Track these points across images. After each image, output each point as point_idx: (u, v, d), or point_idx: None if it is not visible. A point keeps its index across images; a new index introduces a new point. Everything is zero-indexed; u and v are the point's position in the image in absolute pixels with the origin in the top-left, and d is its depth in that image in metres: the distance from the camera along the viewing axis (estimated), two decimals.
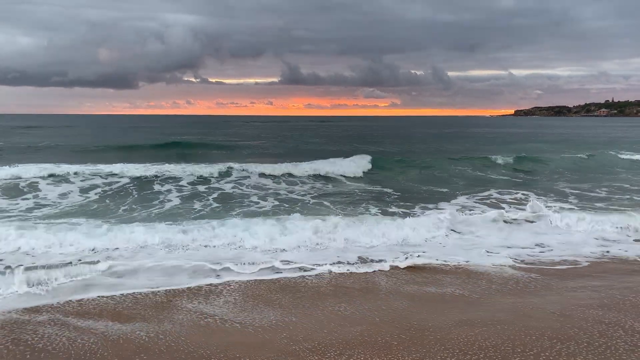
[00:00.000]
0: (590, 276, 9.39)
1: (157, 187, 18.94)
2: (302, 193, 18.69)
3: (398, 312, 7.58)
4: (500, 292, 8.50)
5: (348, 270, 9.55)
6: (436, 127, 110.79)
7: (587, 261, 10.37)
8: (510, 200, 17.27)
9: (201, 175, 21.10)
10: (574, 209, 15.64)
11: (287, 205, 16.06)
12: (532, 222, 13.59)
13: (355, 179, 22.30)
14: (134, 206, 15.71)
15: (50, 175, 19.71)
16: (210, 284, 8.74)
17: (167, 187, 19.06)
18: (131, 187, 18.75)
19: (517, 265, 10.05)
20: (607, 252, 11.11)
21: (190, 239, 11.17)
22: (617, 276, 9.38)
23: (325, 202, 16.67)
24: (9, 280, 8.20)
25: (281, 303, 7.94)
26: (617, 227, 12.75)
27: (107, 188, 18.54)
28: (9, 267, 9.45)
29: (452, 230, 12.52)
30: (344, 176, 22.42)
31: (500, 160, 27.97)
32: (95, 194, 17.64)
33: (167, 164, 23.51)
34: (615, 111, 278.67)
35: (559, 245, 11.62)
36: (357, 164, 24.48)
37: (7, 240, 10.67)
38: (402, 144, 47.81)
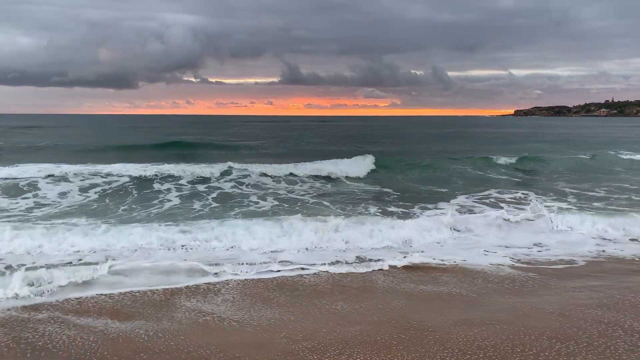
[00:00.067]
0: (589, 276, 9.40)
1: (156, 187, 18.95)
2: (302, 193, 18.69)
3: (397, 311, 7.58)
4: (499, 291, 8.50)
5: (347, 269, 9.56)
6: (436, 127, 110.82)
7: (584, 260, 10.41)
8: (510, 200, 17.27)
9: (201, 175, 21.10)
10: (572, 208, 15.66)
11: (286, 205, 16.06)
12: (531, 220, 13.59)
13: (355, 178, 22.29)
14: (133, 206, 15.72)
15: (50, 175, 19.71)
16: (209, 283, 8.76)
17: (166, 186, 19.08)
18: (131, 187, 18.76)
19: (516, 264, 10.06)
20: (603, 251, 11.17)
21: (189, 239, 11.17)
22: (616, 276, 9.38)
23: (325, 202, 16.67)
24: (9, 279, 8.20)
25: (279, 301, 7.95)
26: (614, 227, 12.76)
27: (106, 187, 18.54)
28: (9, 266, 9.48)
29: (451, 229, 12.52)
30: (346, 177, 22.38)
31: (500, 160, 27.96)
32: (95, 192, 17.65)
33: (166, 164, 23.51)
34: (615, 111, 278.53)
35: (557, 244, 11.65)
36: (359, 165, 24.39)
37: (6, 240, 10.67)
38: (402, 144, 47.84)
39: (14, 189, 17.54)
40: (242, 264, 9.79)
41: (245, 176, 21.55)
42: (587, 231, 12.64)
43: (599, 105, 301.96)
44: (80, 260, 10.00)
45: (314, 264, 9.81)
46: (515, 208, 15.69)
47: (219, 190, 18.66)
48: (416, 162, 27.24)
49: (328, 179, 21.86)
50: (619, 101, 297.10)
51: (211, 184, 19.85)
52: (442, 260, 10.18)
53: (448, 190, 19.60)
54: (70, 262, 9.81)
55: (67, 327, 6.91)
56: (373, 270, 9.54)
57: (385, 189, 19.52)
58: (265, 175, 21.81)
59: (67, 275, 8.54)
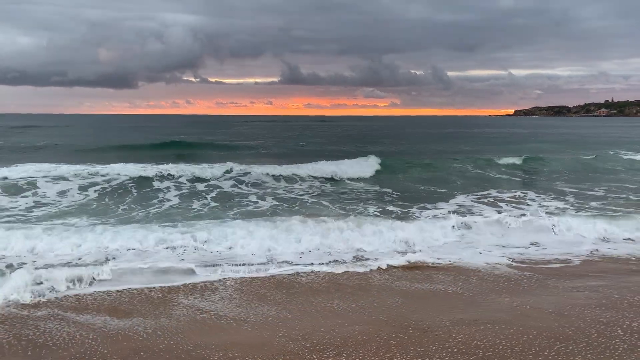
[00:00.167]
0: (587, 276, 9.41)
1: (156, 187, 18.96)
2: (301, 192, 18.69)
3: (394, 310, 7.59)
4: (498, 291, 8.51)
5: (343, 268, 9.56)
6: (436, 127, 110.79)
7: (579, 260, 10.47)
8: (509, 199, 17.29)
9: (200, 175, 21.08)
10: (569, 208, 15.68)
11: (286, 205, 16.06)
12: (529, 220, 13.57)
13: (355, 178, 22.27)
14: (132, 205, 15.72)
15: (50, 175, 19.70)
16: (206, 281, 8.78)
17: (166, 186, 19.08)
18: (130, 186, 18.76)
19: (514, 264, 10.07)
20: (597, 250, 11.25)
21: (187, 239, 11.17)
22: (614, 276, 9.39)
23: (324, 202, 16.68)
24: (9, 278, 8.22)
25: (275, 299, 7.98)
26: (610, 227, 12.77)
27: (106, 186, 18.54)
28: (10, 265, 9.50)
29: (450, 229, 12.51)
30: (348, 178, 22.32)
31: (500, 160, 27.96)
32: (95, 192, 17.65)
33: (166, 164, 23.49)
34: (615, 111, 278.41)
35: (553, 244, 11.69)
36: (361, 166, 24.18)
37: (6, 240, 10.68)
38: (402, 144, 47.82)
39: (13, 189, 17.54)
40: (240, 264, 9.81)
41: (245, 174, 21.55)
42: (584, 231, 12.64)
43: (598, 105, 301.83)
44: (80, 259, 10.01)
45: (312, 264, 9.83)
46: (514, 207, 15.71)
47: (218, 190, 18.67)
48: (416, 162, 27.24)
49: (329, 179, 21.82)
50: (618, 101, 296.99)
51: (210, 184, 19.85)
52: (441, 260, 10.19)
53: (447, 190, 19.59)
54: (70, 262, 9.83)
55: (67, 324, 6.94)
56: (370, 270, 9.54)
57: (384, 189, 19.53)
58: (265, 174, 21.78)
59: (66, 275, 8.55)
